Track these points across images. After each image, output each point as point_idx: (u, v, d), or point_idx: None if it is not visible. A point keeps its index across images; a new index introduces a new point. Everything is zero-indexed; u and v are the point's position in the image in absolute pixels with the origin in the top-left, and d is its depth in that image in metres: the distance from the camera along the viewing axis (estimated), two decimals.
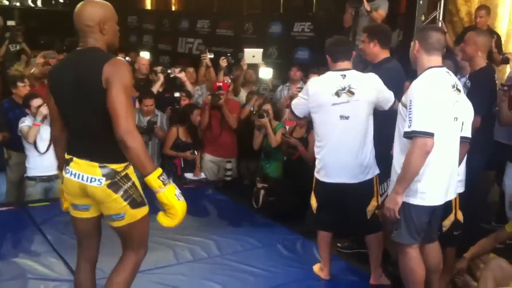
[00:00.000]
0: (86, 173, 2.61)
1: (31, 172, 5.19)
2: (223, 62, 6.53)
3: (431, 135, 3.02)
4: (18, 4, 13.78)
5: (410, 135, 3.06)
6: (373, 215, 3.73)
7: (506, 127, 4.74)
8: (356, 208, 3.74)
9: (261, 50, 6.84)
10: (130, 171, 2.67)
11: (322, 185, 3.75)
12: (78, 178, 2.63)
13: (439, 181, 3.19)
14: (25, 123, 5.11)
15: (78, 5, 2.66)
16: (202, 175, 6.06)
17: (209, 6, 11.68)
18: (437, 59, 3.25)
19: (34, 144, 5.11)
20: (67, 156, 2.70)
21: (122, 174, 2.63)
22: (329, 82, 3.68)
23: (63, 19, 13.54)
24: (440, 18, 6.63)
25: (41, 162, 5.15)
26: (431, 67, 3.20)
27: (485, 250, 3.81)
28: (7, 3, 13.69)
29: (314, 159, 3.87)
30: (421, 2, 6.44)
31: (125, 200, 2.63)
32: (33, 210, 4.91)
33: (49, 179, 5.21)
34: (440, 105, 3.10)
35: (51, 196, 5.22)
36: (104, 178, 2.59)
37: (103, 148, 2.60)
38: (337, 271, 4.02)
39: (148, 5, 13.72)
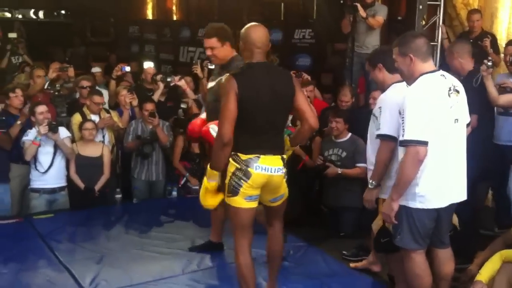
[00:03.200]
0: (274, 166, 3.22)
1: (35, 184, 5.21)
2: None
3: (423, 143, 3.05)
4: (20, 16, 13.84)
5: (403, 144, 3.10)
6: None
7: (505, 128, 4.78)
8: None
9: None
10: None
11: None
12: (267, 171, 3.20)
13: (438, 183, 3.20)
14: (29, 136, 5.13)
15: (257, 27, 3.30)
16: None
17: (210, 15, 11.72)
18: (430, 64, 3.27)
19: (34, 165, 5.14)
20: (251, 156, 3.18)
21: (286, 161, 3.30)
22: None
23: (65, 30, 13.70)
24: (440, 23, 6.65)
25: (44, 174, 5.17)
26: (424, 73, 3.20)
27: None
28: (9, 15, 13.76)
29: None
30: (420, 6, 6.45)
31: (285, 181, 3.33)
32: (38, 222, 4.92)
33: (53, 191, 5.23)
34: (435, 111, 3.11)
35: (55, 207, 5.25)
36: (283, 167, 3.27)
37: (280, 141, 3.33)
38: (345, 280, 4.05)
39: (149, 15, 13.76)
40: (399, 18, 7.55)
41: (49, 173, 5.18)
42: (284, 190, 3.36)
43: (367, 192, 3.64)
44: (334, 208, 5.14)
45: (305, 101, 3.31)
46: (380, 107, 3.60)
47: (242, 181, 3.16)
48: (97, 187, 5.35)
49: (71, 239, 4.62)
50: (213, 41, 3.92)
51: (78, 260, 4.17)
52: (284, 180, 3.31)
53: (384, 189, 3.56)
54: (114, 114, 5.96)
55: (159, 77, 6.61)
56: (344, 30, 6.95)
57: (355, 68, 6.92)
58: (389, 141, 3.44)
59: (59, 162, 5.24)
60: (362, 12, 6.53)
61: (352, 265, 4.27)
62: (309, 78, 6.68)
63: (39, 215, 5.08)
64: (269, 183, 3.23)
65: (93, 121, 5.52)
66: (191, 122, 4.28)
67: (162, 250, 4.42)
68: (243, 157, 3.17)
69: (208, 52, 3.97)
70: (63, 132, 5.26)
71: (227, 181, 3.23)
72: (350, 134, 5.07)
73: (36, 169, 5.16)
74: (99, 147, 5.48)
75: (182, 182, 5.98)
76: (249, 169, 3.16)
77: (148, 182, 5.90)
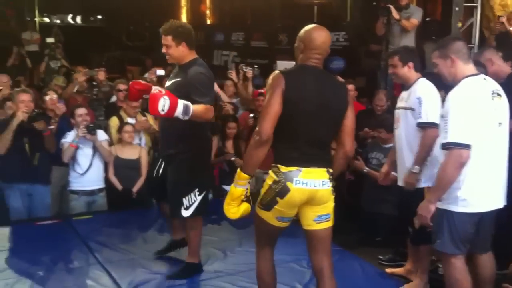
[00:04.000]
0: (318, 179, 2.92)
1: (74, 186, 5.32)
2: (248, 74, 6.66)
3: (466, 146, 3.04)
4: (58, 21, 14.18)
5: (446, 146, 3.09)
6: None
7: None
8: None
9: (293, 62, 6.87)
10: None
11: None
12: (309, 185, 2.90)
13: (481, 187, 3.17)
14: (67, 139, 5.24)
15: (324, 31, 3.03)
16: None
17: (243, 18, 11.80)
18: (471, 67, 3.27)
19: (73, 166, 5.25)
20: (291, 168, 2.89)
21: (332, 175, 3.00)
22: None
23: (101, 35, 13.98)
24: (477, 25, 6.56)
25: (83, 176, 5.28)
26: (467, 76, 3.21)
27: None
28: (47, 20, 14.10)
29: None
30: (457, 8, 6.38)
31: (333, 199, 3.02)
32: (77, 223, 5.03)
33: (92, 193, 5.34)
34: (479, 114, 3.10)
35: (93, 209, 5.36)
36: (329, 180, 2.97)
37: (327, 154, 3.03)
38: (382, 285, 4.06)
39: (183, 19, 13.94)
40: (427, 19, 7.47)
41: (88, 175, 5.28)
42: (331, 210, 3.03)
43: (410, 176, 3.79)
44: (370, 213, 5.10)
45: (353, 122, 3.04)
46: (418, 98, 3.76)
47: (278, 198, 2.91)
48: (135, 189, 5.44)
49: (109, 240, 4.69)
50: (168, 39, 3.75)
51: (116, 261, 4.25)
52: (333, 197, 3.01)
53: (430, 177, 3.64)
54: (150, 117, 6.04)
55: None
56: (378, 33, 6.93)
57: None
58: (436, 129, 3.53)
59: (98, 164, 5.34)
60: (395, 14, 6.50)
61: (388, 270, 4.25)
62: (343, 81, 6.67)
63: (78, 217, 5.20)
64: (312, 199, 2.94)
65: (132, 124, 5.62)
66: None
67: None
68: (283, 169, 2.89)
69: (164, 50, 3.80)
70: (101, 135, 5.36)
71: (262, 191, 3.00)
72: None
73: (75, 171, 5.28)
74: (137, 150, 5.57)
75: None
76: (287, 183, 2.88)
77: None
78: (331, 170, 3.00)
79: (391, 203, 4.62)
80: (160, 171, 4.02)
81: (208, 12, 13.51)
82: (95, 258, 4.32)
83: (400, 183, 4.00)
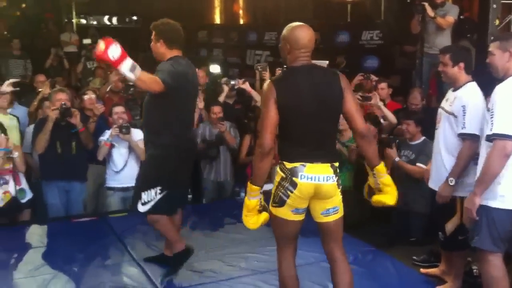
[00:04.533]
0: (322, 174, 2.97)
1: (110, 183, 5.41)
2: (277, 72, 6.63)
3: (511, 138, 3.03)
4: (94, 22, 14.43)
5: (490, 138, 3.10)
6: None
7: None
8: None
9: (326, 61, 6.82)
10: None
11: None
12: (314, 180, 2.96)
13: None
14: (105, 137, 5.34)
15: (308, 29, 3.06)
16: (271, 186, 6.08)
17: (276, 18, 11.80)
18: None
19: (109, 164, 5.35)
20: (296, 164, 2.97)
21: (338, 169, 3.04)
22: None
23: (137, 35, 14.16)
24: None
25: (119, 173, 5.36)
26: None
27: None
28: (84, 22, 14.36)
29: None
30: (494, 5, 6.24)
31: (340, 193, 3.06)
32: (113, 220, 5.14)
33: (126, 189, 5.37)
34: None
35: (128, 205, 5.45)
36: (334, 175, 3.01)
37: (331, 149, 3.09)
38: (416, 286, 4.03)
39: (217, 19, 14.03)
40: (461, 17, 7.33)
41: (123, 173, 5.35)
42: (338, 203, 3.09)
43: (445, 188, 3.67)
44: (402, 211, 5.04)
45: (354, 104, 3.05)
46: (463, 106, 3.61)
47: (288, 191, 2.98)
48: None
49: (143, 237, 4.77)
50: (153, 34, 3.87)
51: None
52: (338, 190, 3.07)
53: (463, 187, 3.60)
54: None
55: (223, 80, 6.76)
56: (414, 31, 6.83)
57: (425, 69, 6.78)
58: (476, 141, 3.48)
59: (133, 163, 5.39)
60: (430, 12, 6.39)
61: (423, 270, 4.19)
62: (376, 79, 6.59)
63: (113, 214, 5.30)
64: (318, 193, 3.00)
65: None
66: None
67: (231, 250, 4.50)
68: (288, 165, 2.98)
69: (151, 44, 3.90)
70: (137, 134, 5.43)
71: (273, 190, 3.07)
72: (423, 138, 4.91)
73: (111, 169, 5.38)
74: None
75: None
76: (294, 178, 2.96)
77: (216, 183, 6.02)
78: (336, 165, 3.04)
79: (423, 199, 4.57)
80: None
81: (241, 12, 13.55)
82: (130, 255, 4.41)
83: (431, 184, 3.93)
